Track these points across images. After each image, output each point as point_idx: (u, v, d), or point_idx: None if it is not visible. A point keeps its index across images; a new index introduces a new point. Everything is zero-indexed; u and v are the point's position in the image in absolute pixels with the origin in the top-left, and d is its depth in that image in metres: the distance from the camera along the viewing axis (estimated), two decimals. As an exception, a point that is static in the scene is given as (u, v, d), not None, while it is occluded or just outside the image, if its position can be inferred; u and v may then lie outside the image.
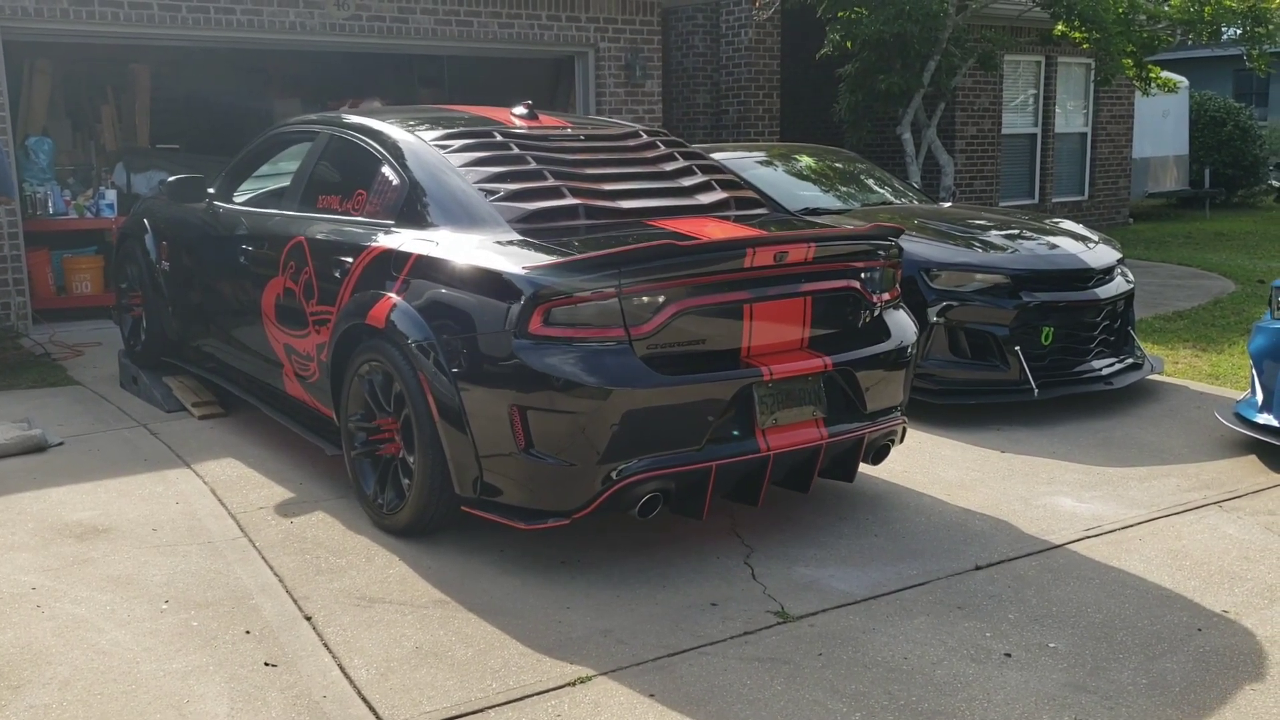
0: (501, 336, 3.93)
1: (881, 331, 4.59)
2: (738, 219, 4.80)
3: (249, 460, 5.54)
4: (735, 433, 4.11)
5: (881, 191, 8.27)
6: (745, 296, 4.12)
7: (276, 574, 4.19)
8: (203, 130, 12.70)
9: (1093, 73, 14.56)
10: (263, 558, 4.34)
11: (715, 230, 4.45)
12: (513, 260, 4.03)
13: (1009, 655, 3.58)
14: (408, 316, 4.27)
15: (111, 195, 9.71)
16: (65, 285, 9.63)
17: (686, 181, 5.00)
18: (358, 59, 12.61)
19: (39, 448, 5.75)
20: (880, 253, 4.58)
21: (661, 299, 3.96)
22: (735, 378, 4.07)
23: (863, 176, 8.49)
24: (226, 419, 6.27)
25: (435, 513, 4.34)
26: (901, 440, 4.78)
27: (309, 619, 3.82)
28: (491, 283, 4.02)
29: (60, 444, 5.86)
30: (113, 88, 11.56)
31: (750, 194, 5.12)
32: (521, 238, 4.25)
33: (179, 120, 12.72)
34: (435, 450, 4.19)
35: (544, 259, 4.00)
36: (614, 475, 3.90)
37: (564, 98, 11.52)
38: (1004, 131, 14.89)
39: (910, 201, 8.23)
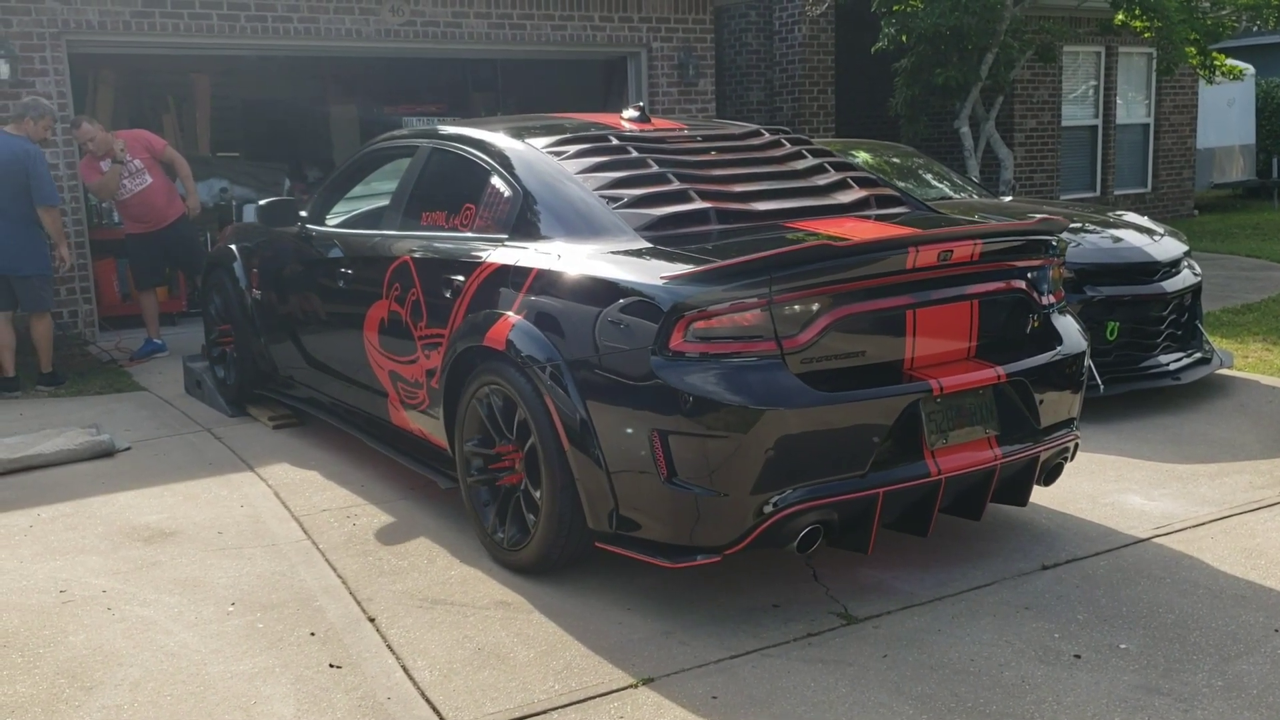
0: (638, 354, 3.59)
1: (1052, 337, 4.21)
2: (879, 218, 4.43)
3: (311, 463, 5.60)
4: (902, 455, 3.74)
5: (940, 186, 8.17)
6: (908, 301, 3.75)
7: (340, 576, 4.23)
8: (262, 137, 12.92)
9: (1154, 62, 14.28)
10: (326, 560, 4.39)
11: (864, 230, 4.07)
12: (647, 270, 3.72)
13: (1078, 656, 3.51)
14: (530, 336, 3.96)
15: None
16: (130, 293, 9.80)
17: (821, 180, 4.64)
18: (412, 64, 12.72)
19: (107, 453, 5.86)
20: (1049, 248, 4.19)
21: (815, 307, 3.59)
22: (901, 393, 3.69)
23: (921, 171, 8.40)
24: (291, 425, 6.34)
25: (564, 548, 4.00)
26: (1073, 458, 4.37)
27: (372, 620, 3.85)
28: (624, 296, 3.70)
29: (127, 449, 5.97)
30: (174, 97, 11.78)
31: (889, 191, 4.77)
32: (652, 246, 3.93)
33: (238, 128, 12.94)
34: (565, 481, 3.86)
35: (682, 268, 3.63)
36: (769, 506, 3.54)
37: (616, 99, 11.51)
38: (1064, 124, 14.66)
39: (970, 196, 8.13)
